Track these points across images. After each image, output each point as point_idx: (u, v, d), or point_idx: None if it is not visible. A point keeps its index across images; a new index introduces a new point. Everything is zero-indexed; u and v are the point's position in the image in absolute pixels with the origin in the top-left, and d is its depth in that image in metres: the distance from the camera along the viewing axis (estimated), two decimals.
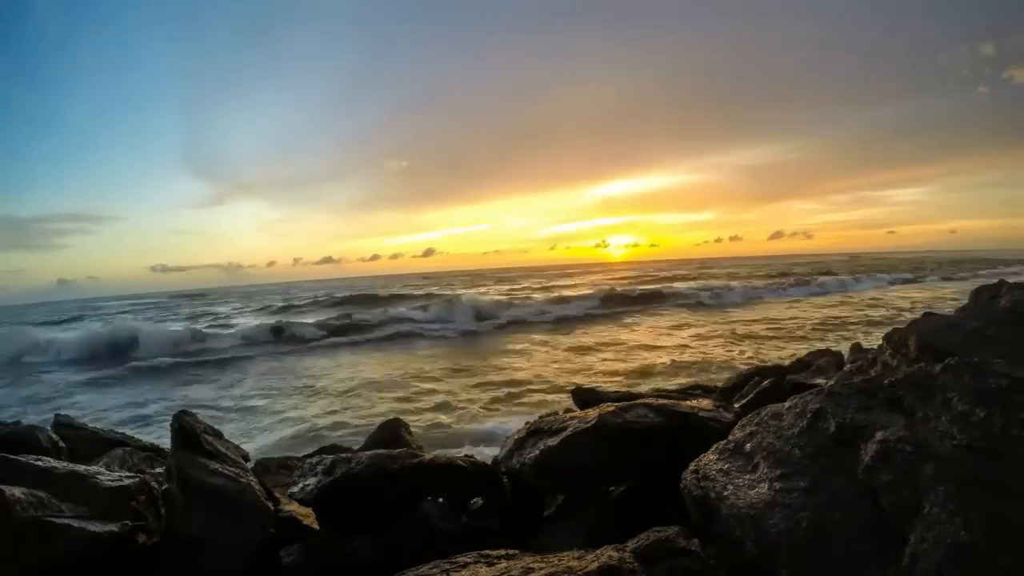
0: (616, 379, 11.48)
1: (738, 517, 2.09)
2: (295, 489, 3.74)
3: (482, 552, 2.43)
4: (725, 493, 2.24)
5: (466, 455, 4.18)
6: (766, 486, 2.13)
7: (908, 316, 14.59)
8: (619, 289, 33.92)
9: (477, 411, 9.51)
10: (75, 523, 2.68)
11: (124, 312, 46.03)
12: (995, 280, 3.77)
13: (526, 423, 4.18)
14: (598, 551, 2.25)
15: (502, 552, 2.44)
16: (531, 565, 2.19)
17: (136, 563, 2.94)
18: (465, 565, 2.31)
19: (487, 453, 5.35)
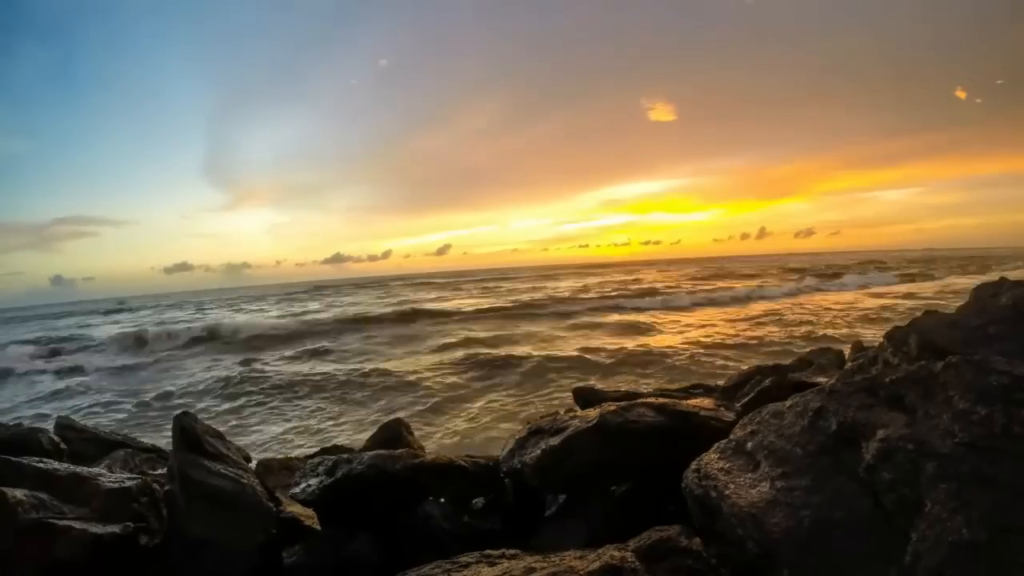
0: None
1: (740, 516, 2.09)
2: (297, 490, 3.75)
3: (484, 552, 2.43)
4: (727, 492, 2.23)
5: (467, 455, 4.18)
6: (767, 485, 2.13)
7: None
8: None
9: None
10: (77, 525, 2.69)
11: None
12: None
13: (527, 423, 4.18)
14: (600, 551, 2.25)
15: (504, 552, 2.44)
16: (533, 565, 2.19)
17: (138, 565, 2.94)
18: (467, 565, 2.31)
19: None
